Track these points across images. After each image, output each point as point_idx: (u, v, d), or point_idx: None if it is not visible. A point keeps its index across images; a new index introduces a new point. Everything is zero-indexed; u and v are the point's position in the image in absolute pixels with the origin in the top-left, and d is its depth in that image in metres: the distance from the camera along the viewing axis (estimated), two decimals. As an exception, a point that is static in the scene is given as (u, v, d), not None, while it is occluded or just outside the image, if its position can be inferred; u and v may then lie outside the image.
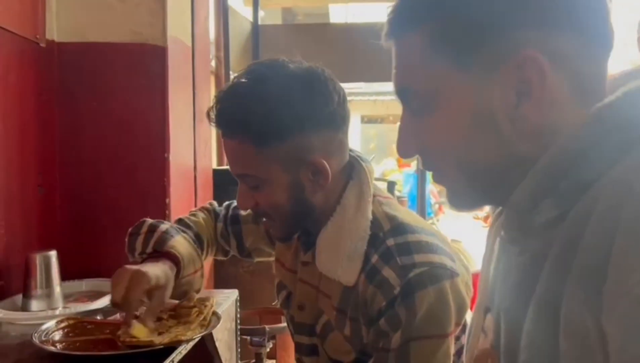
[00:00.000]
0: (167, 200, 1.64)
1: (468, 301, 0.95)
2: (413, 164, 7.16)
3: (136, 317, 1.04)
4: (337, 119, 0.97)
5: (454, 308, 0.91)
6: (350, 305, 0.98)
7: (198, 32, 1.93)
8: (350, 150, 1.06)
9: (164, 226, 1.14)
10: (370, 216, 0.98)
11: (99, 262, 1.60)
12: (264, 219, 1.06)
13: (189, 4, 1.87)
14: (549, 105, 0.53)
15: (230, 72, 2.94)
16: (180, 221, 1.22)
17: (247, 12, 3.39)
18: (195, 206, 1.90)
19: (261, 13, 3.51)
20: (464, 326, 1.07)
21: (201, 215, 1.25)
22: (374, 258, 0.95)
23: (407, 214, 1.02)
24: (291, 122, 0.93)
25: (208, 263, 1.69)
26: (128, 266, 1.01)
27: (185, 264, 1.09)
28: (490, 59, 0.54)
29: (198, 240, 1.19)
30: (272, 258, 1.25)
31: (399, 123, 0.63)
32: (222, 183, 2.11)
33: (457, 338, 1.03)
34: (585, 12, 0.54)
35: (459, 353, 1.04)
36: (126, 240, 1.15)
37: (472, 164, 0.58)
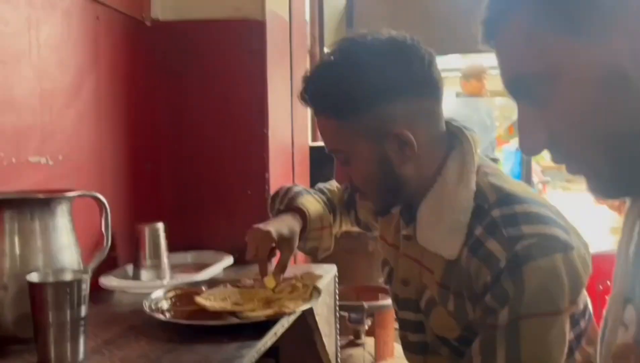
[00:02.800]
0: (266, 175, 1.65)
1: (585, 278, 0.88)
2: (513, 141, 6.79)
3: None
4: (423, 85, 0.95)
5: (567, 284, 0.84)
6: (453, 279, 0.95)
7: (295, 7, 1.91)
8: (452, 120, 1.03)
9: (299, 188, 1.26)
10: (473, 187, 0.94)
11: (202, 234, 1.66)
12: (359, 194, 1.09)
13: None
14: None
15: (325, 50, 2.92)
16: (315, 187, 1.32)
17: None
18: (293, 182, 1.91)
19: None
20: (585, 309, 1.00)
21: (335, 184, 1.32)
22: (478, 231, 0.91)
23: (516, 185, 0.96)
24: (369, 92, 0.92)
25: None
26: (256, 226, 1.12)
27: (312, 218, 1.18)
28: (607, 13, 0.51)
29: (330, 204, 1.27)
30: None
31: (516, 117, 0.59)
32: (317, 160, 2.13)
33: (577, 322, 0.97)
34: None
35: (578, 337, 0.97)
36: (269, 201, 1.31)
37: (613, 134, 0.53)
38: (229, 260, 1.50)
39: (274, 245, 1.12)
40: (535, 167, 4.80)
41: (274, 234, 1.10)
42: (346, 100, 0.93)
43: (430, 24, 3.10)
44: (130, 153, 1.57)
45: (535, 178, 4.31)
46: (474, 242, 0.91)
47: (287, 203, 1.21)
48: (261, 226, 1.12)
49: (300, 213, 1.17)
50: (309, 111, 2.48)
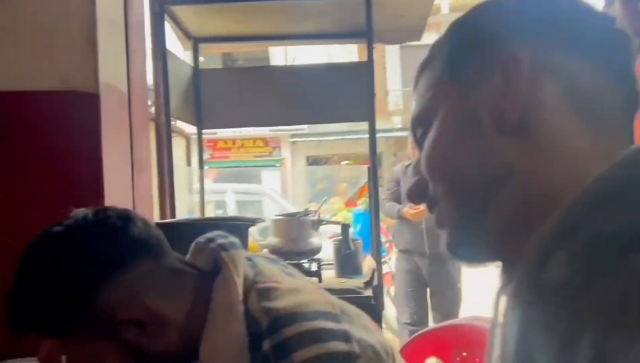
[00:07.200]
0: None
1: None
2: (360, 202, 7.13)
3: None
4: (128, 253, 0.81)
5: None
6: None
7: (134, 77, 1.80)
8: (211, 239, 0.91)
9: None
10: (241, 318, 0.81)
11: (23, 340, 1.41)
12: None
13: (123, 48, 1.75)
14: (532, 105, 0.52)
15: (171, 119, 2.81)
16: None
17: (186, 57, 3.29)
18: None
19: (201, 59, 3.41)
20: None
21: None
22: None
23: (289, 297, 0.84)
24: (72, 297, 0.78)
25: None
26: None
27: None
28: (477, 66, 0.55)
29: None
30: None
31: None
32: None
33: None
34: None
35: None
36: None
37: (458, 176, 0.55)
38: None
39: None
40: (382, 226, 5.03)
41: None
42: (49, 317, 0.78)
43: (277, 96, 3.15)
44: None
45: (382, 237, 4.50)
46: None
47: None
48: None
49: None
50: (154, 185, 2.34)
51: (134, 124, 1.78)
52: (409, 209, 3.69)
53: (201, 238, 0.93)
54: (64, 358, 0.90)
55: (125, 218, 0.83)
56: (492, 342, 0.56)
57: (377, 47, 3.03)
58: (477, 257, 0.57)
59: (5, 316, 0.79)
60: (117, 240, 0.81)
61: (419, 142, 0.61)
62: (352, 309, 0.86)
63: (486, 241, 0.54)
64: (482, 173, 0.53)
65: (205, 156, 3.90)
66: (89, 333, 0.79)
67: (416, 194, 0.60)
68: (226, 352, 0.81)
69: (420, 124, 0.60)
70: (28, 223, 1.43)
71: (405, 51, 14.00)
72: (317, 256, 2.60)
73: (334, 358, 0.75)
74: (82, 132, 1.48)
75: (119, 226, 0.81)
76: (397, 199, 3.90)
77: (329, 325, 0.79)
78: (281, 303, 0.82)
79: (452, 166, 0.55)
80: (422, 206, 2.72)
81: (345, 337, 0.78)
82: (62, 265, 0.78)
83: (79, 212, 0.83)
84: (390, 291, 4.97)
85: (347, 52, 11.81)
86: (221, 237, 0.92)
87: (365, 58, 2.95)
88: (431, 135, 0.57)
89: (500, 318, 0.53)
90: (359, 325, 0.82)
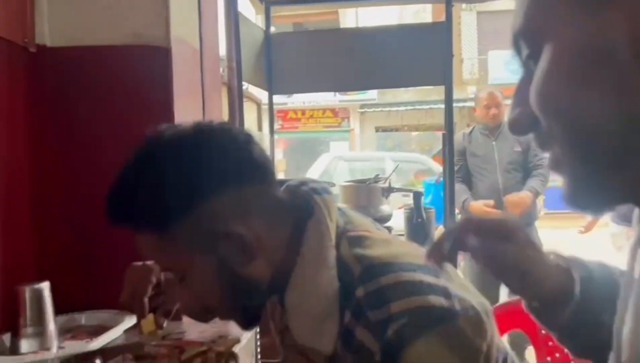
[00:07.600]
0: (175, 220, 1.46)
1: (479, 342, 0.72)
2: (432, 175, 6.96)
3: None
4: (244, 169, 0.79)
5: (457, 358, 0.70)
6: None
7: (206, 35, 1.77)
8: (303, 183, 0.88)
9: None
10: (333, 263, 0.78)
11: (97, 291, 1.43)
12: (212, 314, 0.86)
13: (196, 4, 1.71)
14: None
15: (243, 83, 2.79)
16: None
17: (257, 22, 3.25)
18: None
19: (272, 29, 3.36)
20: None
21: None
22: (347, 317, 0.75)
23: (383, 247, 0.80)
24: (181, 193, 0.76)
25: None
26: (136, 263, 0.97)
27: None
28: None
29: None
30: None
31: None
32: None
33: None
34: None
35: None
36: None
37: (583, 120, 0.42)
38: (130, 321, 1.29)
39: (155, 283, 0.95)
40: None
41: (158, 271, 0.94)
42: (157, 207, 0.76)
43: (349, 60, 3.06)
44: (10, 198, 1.34)
45: (457, 210, 4.33)
46: (345, 332, 0.75)
47: None
48: (141, 262, 0.96)
49: None
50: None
51: (206, 83, 1.75)
52: (480, 204, 3.27)
53: (293, 181, 0.89)
54: (146, 301, 0.94)
55: (249, 136, 0.81)
56: (626, 302, 0.47)
57: (453, 11, 2.84)
58: (604, 207, 0.48)
59: (108, 204, 0.78)
60: (239, 152, 0.79)
61: (524, 63, 0.48)
62: (448, 266, 0.79)
63: (620, 192, 0.44)
64: (617, 118, 0.41)
65: (276, 126, 3.87)
66: (187, 238, 0.77)
67: (521, 128, 0.48)
68: (314, 298, 0.77)
69: (526, 40, 0.46)
70: (101, 178, 1.45)
71: (482, 17, 13.41)
72: (386, 225, 2.52)
73: (433, 312, 0.69)
74: (154, 87, 1.46)
75: (242, 140, 0.80)
76: (466, 174, 3.53)
77: (428, 278, 0.73)
78: (375, 251, 0.78)
79: (573, 108, 0.42)
80: (491, 208, 2.46)
81: (446, 292, 0.72)
82: (184, 161, 0.76)
83: (202, 121, 0.82)
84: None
85: (419, 20, 11.43)
86: (313, 182, 0.88)
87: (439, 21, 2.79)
88: (543, 63, 0.44)
89: (637, 275, 0.44)
90: (457, 284, 0.76)
